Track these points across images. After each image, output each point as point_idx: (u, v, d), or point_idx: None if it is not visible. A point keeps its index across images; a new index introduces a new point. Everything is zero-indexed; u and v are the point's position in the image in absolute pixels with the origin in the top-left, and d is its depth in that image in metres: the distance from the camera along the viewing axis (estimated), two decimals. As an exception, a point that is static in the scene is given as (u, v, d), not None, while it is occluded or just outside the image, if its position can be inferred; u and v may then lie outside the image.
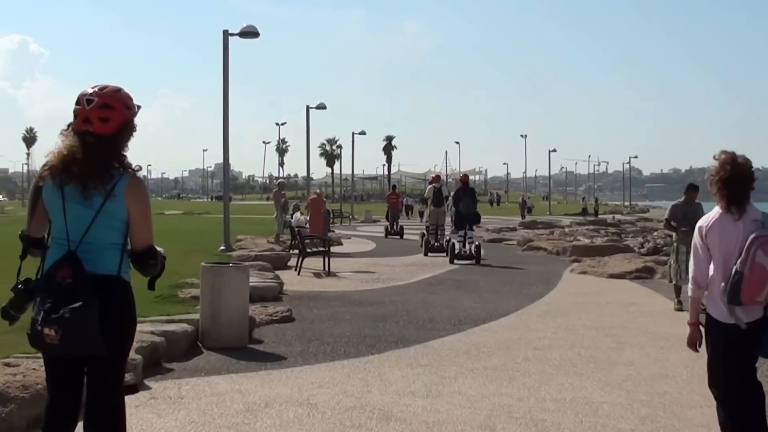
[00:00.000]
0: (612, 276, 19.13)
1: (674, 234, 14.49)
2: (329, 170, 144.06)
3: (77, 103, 4.36)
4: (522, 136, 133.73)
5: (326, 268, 19.62)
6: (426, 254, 25.34)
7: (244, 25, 24.98)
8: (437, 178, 28.98)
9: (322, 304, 14.11)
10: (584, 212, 73.59)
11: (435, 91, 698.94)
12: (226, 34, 24.97)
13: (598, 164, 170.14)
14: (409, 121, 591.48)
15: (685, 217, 14.01)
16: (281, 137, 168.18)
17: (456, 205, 23.96)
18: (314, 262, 20.29)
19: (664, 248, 53.33)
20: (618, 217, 71.29)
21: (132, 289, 4.47)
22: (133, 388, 7.39)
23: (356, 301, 14.48)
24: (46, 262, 4.40)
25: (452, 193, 25.06)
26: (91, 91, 4.38)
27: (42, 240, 4.52)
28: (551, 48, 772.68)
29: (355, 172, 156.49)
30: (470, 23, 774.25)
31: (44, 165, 4.39)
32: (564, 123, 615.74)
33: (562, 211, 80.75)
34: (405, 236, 36.29)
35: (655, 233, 61.33)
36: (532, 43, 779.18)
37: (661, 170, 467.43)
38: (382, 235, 37.82)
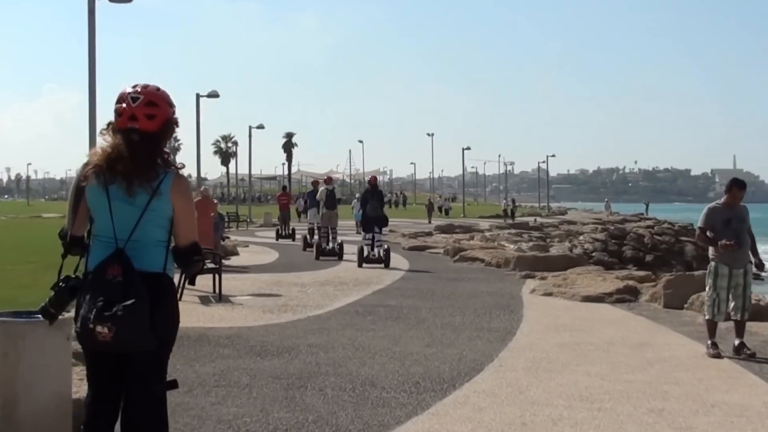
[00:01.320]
0: (587, 299, 15.30)
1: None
2: (225, 169, 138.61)
3: (120, 101, 4.53)
4: (428, 134, 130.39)
5: (217, 291, 15.33)
6: (317, 258, 25.14)
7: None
8: (329, 180, 28.73)
9: (208, 354, 9.80)
10: (506, 214, 70.39)
11: (337, 89, 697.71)
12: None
13: (510, 165, 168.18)
14: (311, 120, 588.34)
15: (726, 225, 10.27)
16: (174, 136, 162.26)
17: (363, 208, 24.21)
18: (202, 282, 15.91)
19: (594, 253, 50.62)
20: (539, 219, 68.20)
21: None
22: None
23: (258, 348, 10.23)
24: (91, 260, 4.58)
25: (359, 196, 25.66)
26: (133, 89, 4.56)
27: (82, 239, 4.71)
28: (460, 44, 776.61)
29: (252, 172, 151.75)
30: (372, 18, 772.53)
31: (86, 164, 4.57)
32: (472, 122, 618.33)
33: (477, 214, 77.48)
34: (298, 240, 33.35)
35: (582, 237, 58.83)
36: (438, 38, 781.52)
37: (568, 171, 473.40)
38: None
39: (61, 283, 4.53)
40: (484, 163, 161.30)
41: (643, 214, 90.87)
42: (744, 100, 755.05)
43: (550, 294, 16.06)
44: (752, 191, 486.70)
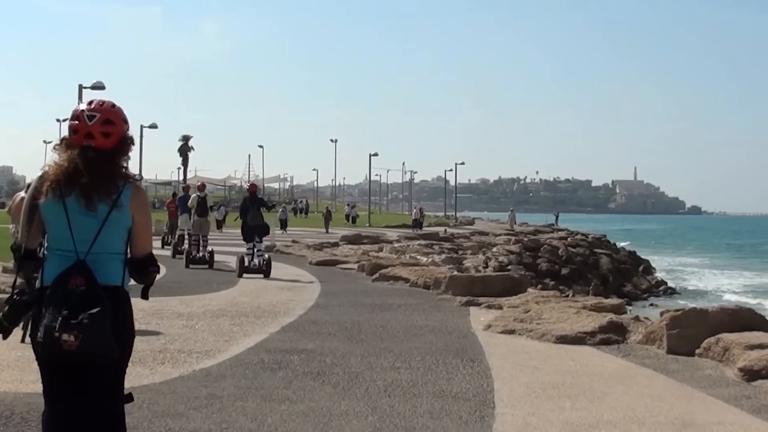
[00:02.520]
0: (563, 340, 11.80)
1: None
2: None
3: (75, 118, 4.61)
4: (332, 140, 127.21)
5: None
6: (187, 266, 25.01)
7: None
8: (203, 187, 28.34)
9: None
10: (415, 224, 66.98)
11: (237, 94, 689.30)
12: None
13: (414, 173, 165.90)
14: (211, 125, 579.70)
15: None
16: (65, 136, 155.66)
17: (243, 216, 23.50)
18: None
19: (509, 267, 47.66)
20: (449, 230, 65.11)
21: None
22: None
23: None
24: (48, 273, 4.60)
25: (239, 204, 24.97)
26: (89, 107, 4.66)
27: (35, 252, 4.71)
28: (361, 52, 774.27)
29: (147, 176, 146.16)
30: (273, 24, 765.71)
31: (41, 178, 4.64)
32: (374, 131, 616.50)
33: (383, 223, 74.09)
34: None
35: (495, 249, 55.87)
36: (339, 46, 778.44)
37: (469, 180, 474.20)
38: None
39: (15, 296, 4.60)
40: (387, 171, 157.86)
41: (553, 224, 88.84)
42: (644, 111, 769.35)
43: (512, 332, 12.49)
44: (652, 202, 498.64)
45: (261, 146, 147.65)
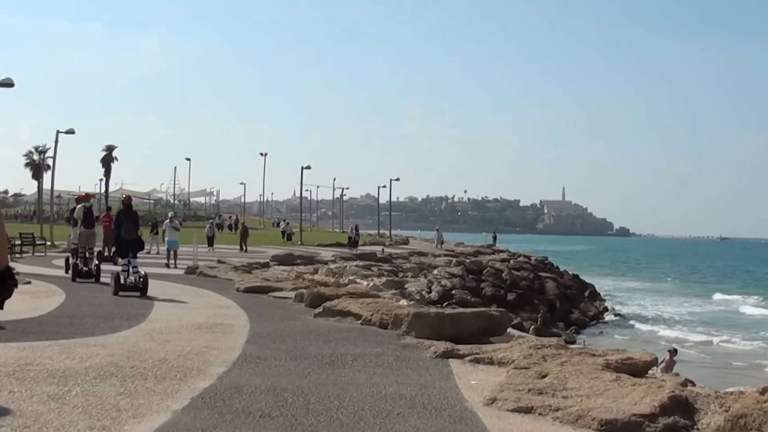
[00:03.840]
0: (611, 427, 7.95)
1: None
2: (37, 184, 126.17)
3: None
4: (261, 154, 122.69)
5: None
6: (74, 279, 24.50)
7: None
8: (87, 197, 28.01)
9: None
10: (351, 243, 62.95)
11: (170, 108, 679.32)
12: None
13: (346, 189, 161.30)
14: (140, 139, 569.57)
15: None
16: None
17: (117, 231, 22.51)
18: None
19: (454, 292, 43.91)
20: (387, 250, 61.20)
21: None
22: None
23: None
24: None
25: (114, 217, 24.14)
26: None
27: None
28: (293, 68, 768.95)
29: (69, 188, 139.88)
30: (212, 41, 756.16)
31: None
32: (301, 148, 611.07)
33: (316, 241, 69.85)
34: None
35: (436, 271, 52.07)
36: (275, 61, 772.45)
37: (398, 198, 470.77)
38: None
39: None
40: (317, 188, 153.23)
41: (492, 244, 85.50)
42: (571, 131, 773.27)
43: (529, 410, 8.55)
44: (581, 223, 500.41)
45: (188, 159, 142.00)
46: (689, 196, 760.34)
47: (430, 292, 42.11)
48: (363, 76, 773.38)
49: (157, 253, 42.18)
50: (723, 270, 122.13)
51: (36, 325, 14.39)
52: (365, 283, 36.67)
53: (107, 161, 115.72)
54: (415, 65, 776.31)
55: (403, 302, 28.98)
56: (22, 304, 17.71)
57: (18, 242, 36.62)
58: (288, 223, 79.57)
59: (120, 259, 22.35)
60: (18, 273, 25.44)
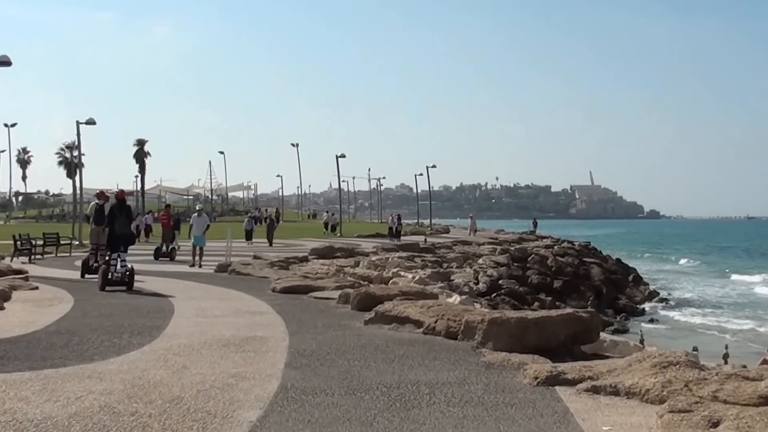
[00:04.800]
0: None
1: None
2: (71, 183, 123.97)
3: None
4: (293, 144, 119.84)
5: None
6: (83, 276, 24.36)
7: None
8: (101, 195, 26.63)
9: None
10: (392, 233, 59.71)
11: (197, 99, 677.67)
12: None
13: (383, 179, 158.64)
14: (170, 132, 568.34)
15: None
16: (23, 146, 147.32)
17: (111, 225, 21.87)
18: None
19: (501, 282, 40.69)
20: (429, 240, 57.99)
21: None
22: None
23: None
24: None
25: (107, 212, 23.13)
26: None
27: None
28: (323, 54, 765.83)
29: (107, 186, 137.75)
30: (230, 27, 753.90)
31: None
32: (337, 138, 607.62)
33: (355, 232, 66.73)
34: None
35: (481, 260, 48.81)
36: (300, 50, 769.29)
37: (432, 187, 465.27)
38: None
39: None
40: (353, 178, 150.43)
41: (533, 231, 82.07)
42: (599, 115, 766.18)
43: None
44: (612, 207, 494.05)
45: (222, 153, 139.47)
46: (717, 177, 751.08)
47: (478, 283, 38.99)
48: (395, 65, 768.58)
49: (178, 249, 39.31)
50: (741, 250, 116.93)
51: (23, 347, 11.31)
52: (410, 275, 33.61)
53: (140, 156, 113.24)
54: (447, 53, 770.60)
55: (456, 297, 25.86)
56: (18, 316, 14.78)
57: (40, 243, 33.77)
58: (333, 215, 76.36)
59: (110, 253, 21.32)
60: (28, 277, 22.64)
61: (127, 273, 20.81)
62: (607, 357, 12.48)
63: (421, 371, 9.70)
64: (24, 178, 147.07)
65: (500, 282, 41.42)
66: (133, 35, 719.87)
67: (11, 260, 30.24)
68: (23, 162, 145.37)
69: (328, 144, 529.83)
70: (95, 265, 24.02)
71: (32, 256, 31.85)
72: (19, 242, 31.74)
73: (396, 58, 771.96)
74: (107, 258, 22.08)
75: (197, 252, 30.45)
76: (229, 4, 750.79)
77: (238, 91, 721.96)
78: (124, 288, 20.38)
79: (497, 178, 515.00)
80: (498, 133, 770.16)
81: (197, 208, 35.36)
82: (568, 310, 13.26)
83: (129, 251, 22.04)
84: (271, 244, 48.08)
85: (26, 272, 24.49)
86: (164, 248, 34.90)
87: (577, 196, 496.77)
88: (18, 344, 11.53)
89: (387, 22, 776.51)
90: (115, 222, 21.59)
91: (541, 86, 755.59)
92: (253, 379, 9.14)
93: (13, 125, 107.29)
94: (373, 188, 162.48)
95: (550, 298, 40.48)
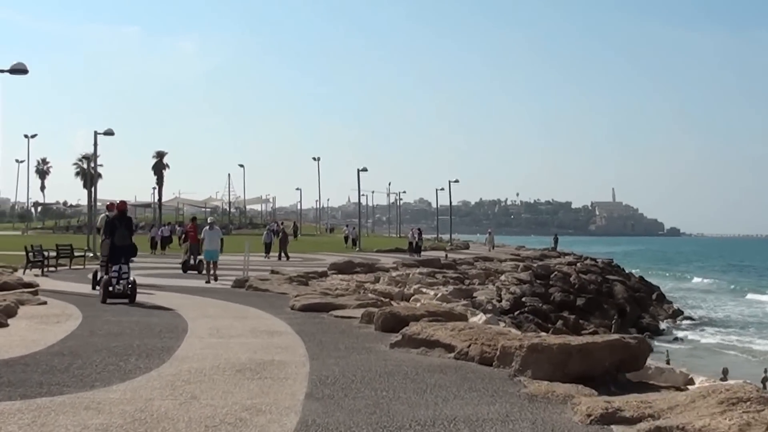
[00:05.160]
0: None
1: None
2: (87, 193, 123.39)
3: None
4: (314, 159, 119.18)
5: None
6: (94, 288, 23.60)
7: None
8: (112, 206, 25.12)
9: None
10: (412, 249, 58.63)
11: (218, 113, 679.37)
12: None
13: (402, 193, 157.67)
14: (190, 145, 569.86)
15: None
16: (42, 157, 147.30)
17: (111, 237, 21.46)
18: None
19: (524, 299, 39.57)
20: (450, 255, 56.93)
21: None
22: None
23: None
24: None
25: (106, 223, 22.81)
26: None
27: None
28: (343, 71, 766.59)
29: (125, 197, 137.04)
30: (254, 43, 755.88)
31: None
32: (355, 153, 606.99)
33: (375, 247, 65.72)
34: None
35: (503, 277, 47.68)
36: (321, 65, 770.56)
37: (451, 202, 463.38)
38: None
39: None
40: (372, 192, 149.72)
41: (554, 247, 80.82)
42: (622, 133, 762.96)
43: None
44: (632, 224, 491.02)
45: (242, 165, 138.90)
46: (739, 195, 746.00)
47: (501, 300, 37.97)
48: (414, 81, 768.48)
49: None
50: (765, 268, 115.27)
51: (20, 370, 10.34)
52: (431, 292, 32.65)
53: (158, 168, 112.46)
54: (467, 70, 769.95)
55: (481, 316, 24.88)
56: (21, 334, 13.84)
57: (53, 254, 32.93)
58: (354, 228, 75.39)
59: (111, 266, 20.97)
60: (37, 291, 21.74)
61: (129, 285, 20.50)
62: (654, 386, 11.49)
63: (458, 405, 8.67)
64: (42, 188, 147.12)
65: (523, 299, 40.46)
66: (157, 49, 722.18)
67: (23, 272, 29.44)
68: (42, 173, 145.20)
69: (346, 158, 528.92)
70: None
71: (45, 268, 31.02)
72: (31, 254, 30.86)
73: (419, 73, 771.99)
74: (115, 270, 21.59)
75: (210, 267, 29.16)
76: (251, 19, 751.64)
77: (259, 105, 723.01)
78: (126, 301, 20.08)
79: (518, 194, 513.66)
80: (520, 150, 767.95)
81: (209, 221, 33.21)
82: (614, 335, 12.17)
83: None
84: (287, 258, 47.10)
85: (37, 285, 23.66)
86: (192, 261, 34.41)
87: (597, 213, 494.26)
88: (15, 367, 10.58)
89: (409, 36, 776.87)
90: (116, 233, 21.26)
91: (565, 104, 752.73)
92: (270, 413, 8.13)
93: (33, 136, 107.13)
94: (392, 202, 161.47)
95: (573, 317, 39.46)
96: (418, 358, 11.99)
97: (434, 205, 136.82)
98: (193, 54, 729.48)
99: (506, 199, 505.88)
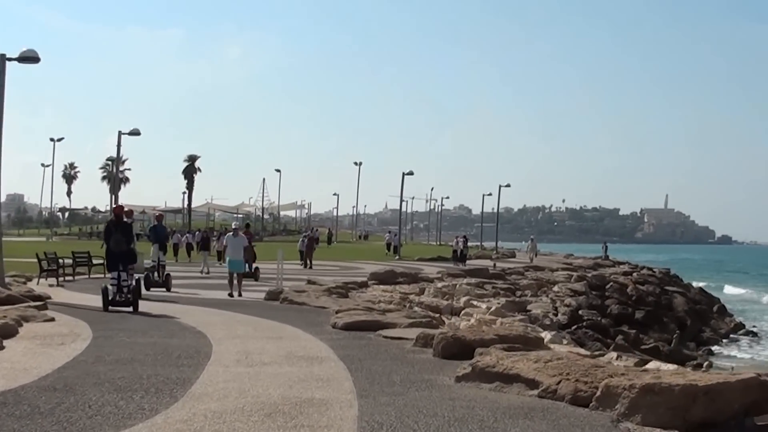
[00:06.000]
0: None
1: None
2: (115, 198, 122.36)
3: None
4: (356, 163, 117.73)
5: None
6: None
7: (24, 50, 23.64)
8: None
9: None
10: (456, 257, 56.38)
11: (256, 118, 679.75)
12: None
13: (445, 199, 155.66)
14: (226, 150, 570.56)
15: None
16: (70, 162, 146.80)
17: (107, 242, 21.01)
18: None
19: (581, 312, 37.24)
20: (498, 264, 54.73)
21: None
22: None
23: None
24: None
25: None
26: None
27: None
28: (384, 78, 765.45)
29: (154, 203, 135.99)
30: (295, 48, 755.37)
31: None
32: (394, 157, 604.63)
33: (416, 255, 63.61)
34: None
35: (556, 288, 45.43)
36: (363, 72, 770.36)
37: (492, 209, 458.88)
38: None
39: None
40: (412, 199, 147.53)
41: (606, 256, 78.28)
42: (675, 140, 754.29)
43: None
44: (681, 231, 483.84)
45: (278, 170, 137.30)
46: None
47: (557, 314, 35.80)
48: (457, 88, 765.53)
49: (207, 273, 36.45)
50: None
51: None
52: (483, 305, 30.63)
53: (189, 172, 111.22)
54: (514, 74, 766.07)
55: (546, 334, 22.87)
56: (13, 361, 11.92)
57: (69, 262, 31.15)
58: (396, 235, 73.38)
59: (108, 273, 20.93)
60: (46, 304, 19.90)
61: (129, 294, 20.07)
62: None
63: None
64: (69, 193, 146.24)
65: (580, 312, 38.35)
66: (197, 53, 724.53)
67: (37, 282, 27.67)
68: (69, 177, 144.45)
69: (383, 165, 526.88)
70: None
71: (61, 277, 29.24)
72: (45, 262, 28.97)
73: (460, 80, 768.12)
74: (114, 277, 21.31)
75: (234, 279, 25.80)
76: (294, 28, 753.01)
77: (295, 109, 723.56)
78: (129, 309, 19.71)
79: (563, 201, 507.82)
80: (567, 156, 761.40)
81: (233, 226, 29.17)
82: (749, 374, 9.96)
83: (182, 273, 19.84)
84: (310, 267, 45.08)
85: (47, 298, 21.91)
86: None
87: (646, 220, 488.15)
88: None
89: (451, 44, 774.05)
90: (111, 239, 20.67)
91: (622, 111, 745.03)
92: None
93: (59, 140, 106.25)
94: (431, 209, 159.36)
95: (634, 331, 37.34)
96: (494, 396, 9.89)
97: (474, 212, 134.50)
98: (234, 59, 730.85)
99: (551, 206, 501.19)
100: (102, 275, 32.49)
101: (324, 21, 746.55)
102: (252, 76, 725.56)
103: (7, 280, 25.20)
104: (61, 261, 29.84)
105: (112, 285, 20.31)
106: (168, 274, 26.72)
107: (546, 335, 21.58)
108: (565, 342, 23.74)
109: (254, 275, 31.92)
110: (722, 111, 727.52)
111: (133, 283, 20.61)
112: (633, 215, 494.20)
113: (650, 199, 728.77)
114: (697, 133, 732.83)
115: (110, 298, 20.02)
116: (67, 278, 30.00)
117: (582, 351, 21.91)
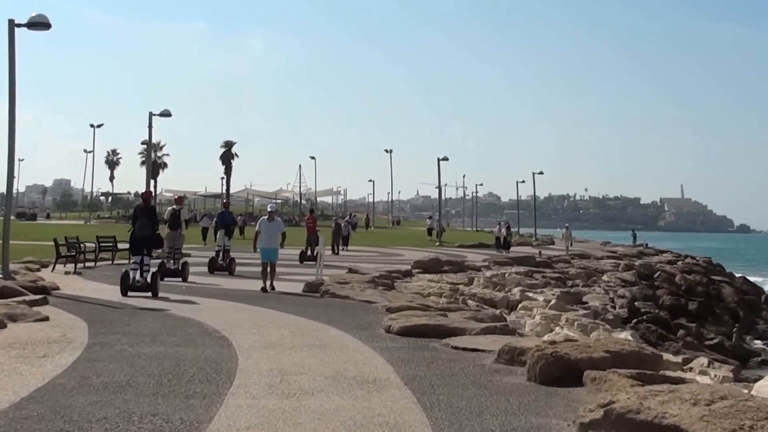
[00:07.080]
0: None
1: None
2: (153, 183, 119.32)
3: None
4: (387, 151, 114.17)
5: None
6: (162, 279, 21.64)
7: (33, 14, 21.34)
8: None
9: None
10: (500, 244, 52.34)
11: (288, 107, 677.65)
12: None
13: (479, 186, 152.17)
14: (263, 139, 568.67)
15: None
16: (113, 148, 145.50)
17: (133, 227, 19.98)
18: None
19: (637, 304, 33.24)
20: (543, 252, 50.88)
21: None
22: None
23: None
24: None
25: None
26: None
27: None
28: (415, 65, 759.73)
29: (195, 189, 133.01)
30: (323, 38, 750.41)
31: None
32: (430, 144, 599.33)
33: (457, 242, 59.77)
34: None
35: (605, 277, 41.47)
36: (393, 61, 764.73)
37: (520, 197, 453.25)
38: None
39: None
40: (445, 185, 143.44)
41: (640, 244, 74.16)
42: (690, 128, 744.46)
43: None
44: (701, 220, 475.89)
45: (313, 157, 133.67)
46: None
47: (615, 306, 32.05)
48: (484, 77, 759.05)
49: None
50: None
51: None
52: (540, 298, 26.93)
53: (227, 158, 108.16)
54: (536, 67, 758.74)
55: (626, 334, 19.26)
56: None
57: (93, 247, 27.74)
58: (437, 220, 69.45)
59: (131, 257, 19.74)
60: (47, 299, 16.44)
61: (151, 277, 19.24)
62: None
63: None
64: (111, 179, 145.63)
65: (636, 304, 34.60)
66: (226, 45, 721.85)
67: (52, 269, 24.28)
68: (112, 163, 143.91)
69: (416, 152, 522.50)
70: (171, 268, 23.78)
71: (81, 263, 25.84)
72: (64, 246, 25.50)
73: (487, 68, 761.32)
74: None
75: (268, 270, 21.36)
76: (319, 19, 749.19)
77: (331, 97, 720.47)
78: (148, 294, 18.72)
79: (586, 189, 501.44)
80: (590, 145, 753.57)
81: (268, 210, 23.88)
82: None
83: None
84: (337, 252, 41.58)
85: (54, 289, 18.65)
86: (309, 252, 34.30)
87: (666, 209, 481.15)
88: None
89: (479, 30, 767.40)
90: (137, 223, 19.64)
91: (637, 102, 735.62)
92: None
93: (99, 126, 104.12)
94: (462, 196, 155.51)
95: (694, 325, 33.55)
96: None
97: (503, 199, 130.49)
98: (263, 49, 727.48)
99: (575, 194, 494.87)
100: (126, 261, 29.14)
101: (343, 15, 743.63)
102: (277, 68, 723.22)
103: (18, 266, 21.88)
104: (82, 246, 26.33)
105: (133, 269, 19.25)
106: (185, 263, 24.40)
107: (627, 335, 17.88)
108: (626, 334, 20.04)
109: (317, 259, 26.88)
110: (722, 109, 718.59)
111: (153, 269, 19.76)
112: (654, 204, 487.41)
113: (667, 188, 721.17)
114: (709, 123, 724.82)
115: (129, 283, 19.00)
116: (87, 264, 26.59)
117: (673, 358, 18.37)
